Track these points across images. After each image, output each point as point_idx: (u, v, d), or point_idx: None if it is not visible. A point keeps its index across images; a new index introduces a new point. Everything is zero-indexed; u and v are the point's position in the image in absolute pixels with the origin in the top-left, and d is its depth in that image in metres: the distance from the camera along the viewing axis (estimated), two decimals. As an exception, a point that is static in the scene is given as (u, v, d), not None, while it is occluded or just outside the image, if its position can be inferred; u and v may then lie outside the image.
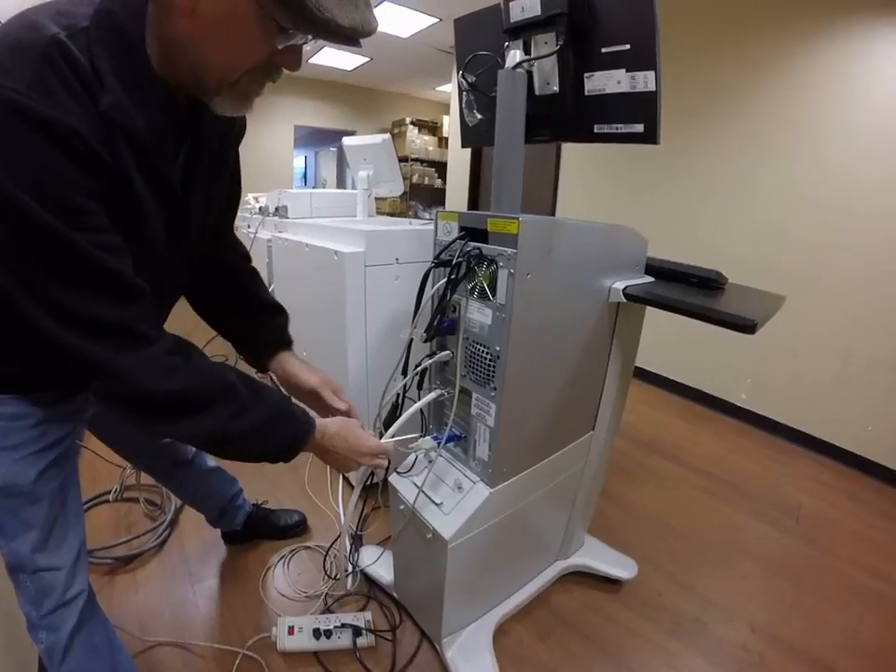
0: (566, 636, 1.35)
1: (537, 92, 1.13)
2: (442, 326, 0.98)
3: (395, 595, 1.40)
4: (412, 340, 0.98)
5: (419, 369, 1.03)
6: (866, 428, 2.32)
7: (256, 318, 1.04)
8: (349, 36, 0.60)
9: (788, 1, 2.42)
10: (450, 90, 5.39)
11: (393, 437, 0.99)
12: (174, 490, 1.47)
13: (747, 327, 0.89)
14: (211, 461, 1.45)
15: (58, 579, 0.83)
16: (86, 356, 0.63)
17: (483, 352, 0.98)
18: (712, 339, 2.85)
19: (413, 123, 6.35)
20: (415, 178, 6.25)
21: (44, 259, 0.58)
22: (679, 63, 2.71)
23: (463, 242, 0.93)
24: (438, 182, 6.49)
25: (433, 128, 6.66)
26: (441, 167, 6.29)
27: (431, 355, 1.05)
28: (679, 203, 2.94)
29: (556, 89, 1.11)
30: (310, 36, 0.61)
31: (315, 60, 5.51)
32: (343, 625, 1.27)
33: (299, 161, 9.73)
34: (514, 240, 0.86)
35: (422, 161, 6.41)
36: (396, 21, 4.35)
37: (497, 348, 0.94)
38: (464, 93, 1.27)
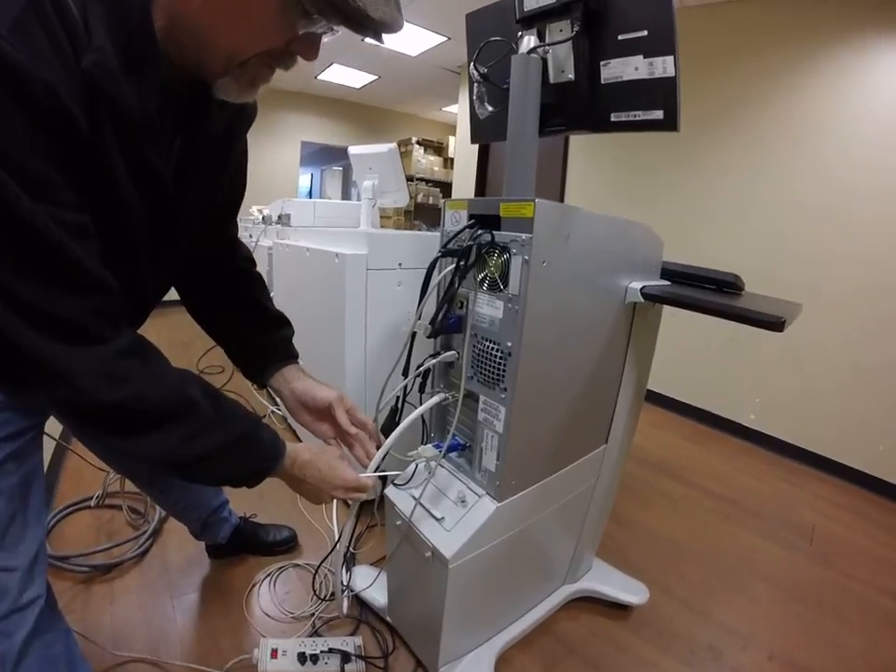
0: (574, 666, 1.25)
1: (551, 81, 1.08)
2: (448, 322, 0.91)
3: (388, 619, 1.30)
4: (415, 334, 0.90)
5: (422, 369, 0.95)
6: (877, 448, 2.28)
7: (260, 328, 0.96)
8: (376, 30, 0.56)
9: (789, 19, 2.45)
10: (456, 110, 5.41)
11: (376, 470, 0.89)
12: (153, 497, 1.38)
13: (775, 324, 0.83)
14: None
15: (12, 580, 0.75)
16: (24, 346, 0.54)
17: (492, 349, 0.90)
18: (718, 358, 2.86)
19: (419, 143, 6.35)
20: (420, 198, 6.22)
21: None
22: (685, 71, 2.75)
23: (473, 229, 0.86)
24: (442, 202, 6.47)
25: (439, 148, 6.66)
26: (446, 187, 6.28)
27: (435, 355, 0.97)
28: (679, 214, 2.96)
29: (571, 76, 1.06)
30: (333, 26, 0.57)
31: (324, 77, 5.55)
32: (330, 650, 1.17)
33: (304, 180, 9.79)
34: (530, 224, 0.80)
35: (427, 181, 6.40)
36: (405, 40, 4.38)
37: (509, 344, 0.86)
38: (475, 85, 1.22)
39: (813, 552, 1.79)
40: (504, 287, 0.86)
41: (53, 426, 1.19)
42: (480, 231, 0.85)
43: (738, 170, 2.70)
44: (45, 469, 1.77)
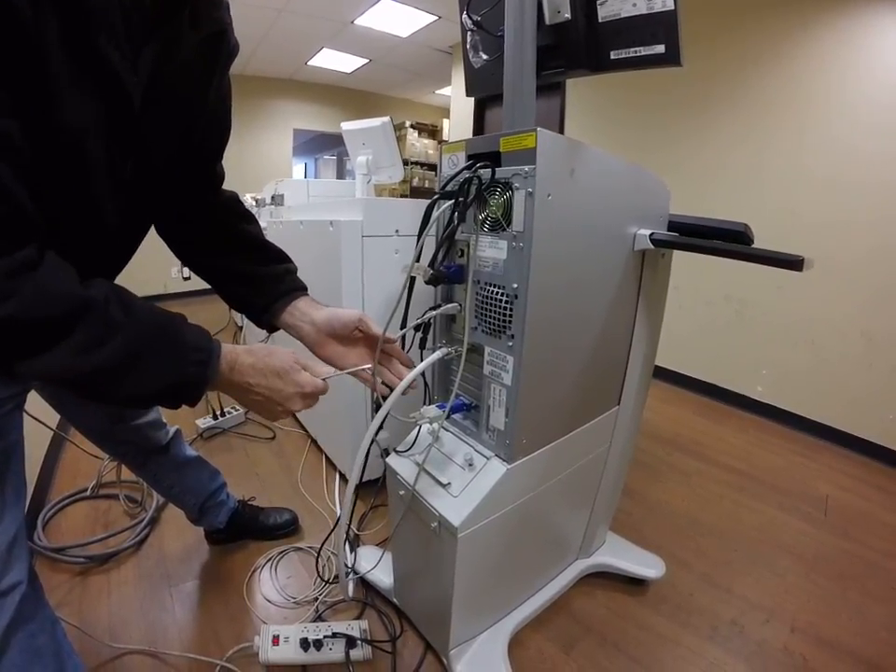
0: (592, 646, 1.19)
1: (547, 22, 1.02)
2: (449, 271, 0.84)
3: (395, 600, 1.24)
4: (413, 279, 0.82)
5: (421, 321, 0.87)
6: (887, 417, 2.22)
7: (258, 259, 0.86)
8: None
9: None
10: (450, 93, 5.31)
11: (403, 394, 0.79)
12: (148, 481, 1.32)
13: (794, 262, 0.78)
14: (190, 450, 1.30)
15: None
16: None
17: (497, 294, 0.83)
18: (724, 332, 2.82)
19: (412, 126, 6.28)
20: (415, 181, 6.15)
21: None
22: (686, 48, 2.70)
23: (472, 170, 0.79)
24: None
25: (433, 131, 6.58)
26: (441, 171, 6.21)
27: (435, 307, 0.90)
28: (685, 189, 2.85)
29: (568, 16, 1.00)
30: None
31: (314, 62, 5.45)
32: (335, 635, 1.11)
33: (298, 171, 9.70)
34: (532, 155, 0.73)
35: (422, 165, 6.33)
36: (395, 20, 4.28)
37: (515, 286, 0.79)
38: (468, 34, 1.16)
39: (829, 523, 1.75)
40: (507, 226, 0.79)
41: (51, 415, 1.13)
42: (479, 164, 0.78)
43: (744, 144, 2.64)
44: (41, 460, 1.72)
